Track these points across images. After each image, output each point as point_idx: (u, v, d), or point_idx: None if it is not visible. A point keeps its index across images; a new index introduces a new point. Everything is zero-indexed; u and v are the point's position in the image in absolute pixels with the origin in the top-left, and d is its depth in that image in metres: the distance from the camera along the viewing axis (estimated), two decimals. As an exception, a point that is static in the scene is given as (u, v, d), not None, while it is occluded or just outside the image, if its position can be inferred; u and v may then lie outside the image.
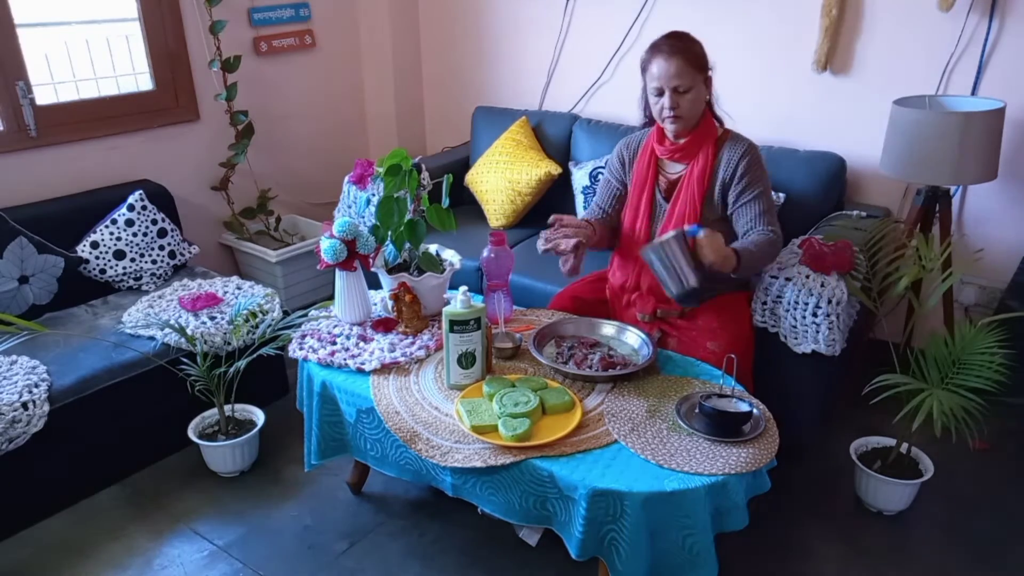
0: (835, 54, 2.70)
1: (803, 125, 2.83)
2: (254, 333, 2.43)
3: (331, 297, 2.26)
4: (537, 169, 3.05)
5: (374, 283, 2.45)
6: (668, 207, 2.19)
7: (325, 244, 2.10)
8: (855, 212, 2.55)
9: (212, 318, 2.52)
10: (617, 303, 2.29)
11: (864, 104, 2.69)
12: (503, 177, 3.10)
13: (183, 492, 2.34)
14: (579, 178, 2.99)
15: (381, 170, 2.16)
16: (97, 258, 2.73)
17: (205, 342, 2.40)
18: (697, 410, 1.76)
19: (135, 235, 2.79)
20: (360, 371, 2.00)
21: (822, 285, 2.11)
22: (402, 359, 2.03)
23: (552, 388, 1.86)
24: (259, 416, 2.46)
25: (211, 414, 2.44)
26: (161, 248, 2.85)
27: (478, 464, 1.68)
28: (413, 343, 2.09)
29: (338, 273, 2.15)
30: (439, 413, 1.84)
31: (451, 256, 2.29)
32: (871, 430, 2.34)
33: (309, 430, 2.10)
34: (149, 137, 3.08)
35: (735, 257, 1.94)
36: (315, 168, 3.72)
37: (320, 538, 2.15)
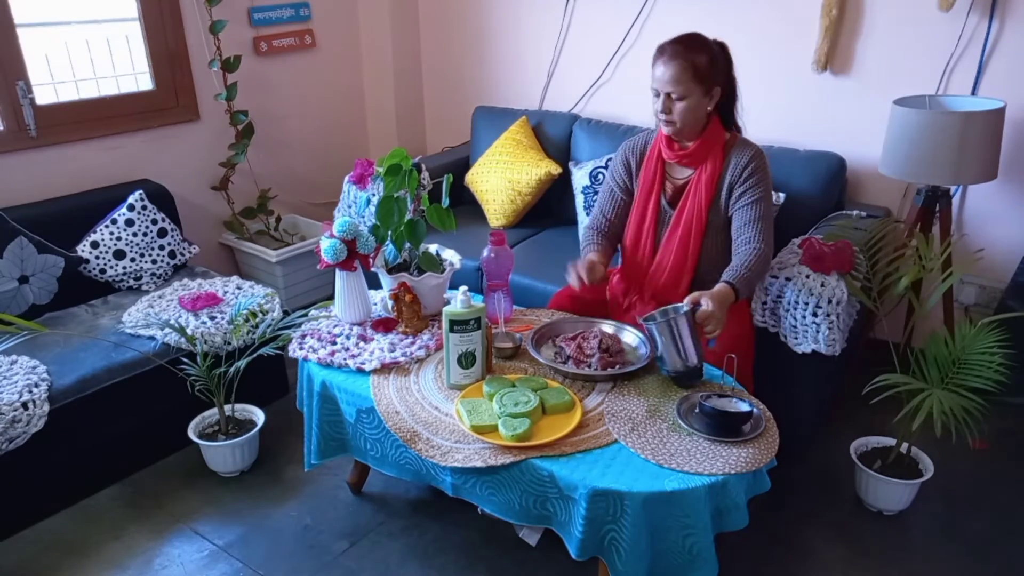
0: (835, 54, 2.70)
1: (803, 125, 2.83)
2: (254, 333, 2.43)
3: (331, 297, 2.26)
4: (537, 169, 3.05)
5: (374, 283, 2.45)
6: (674, 213, 2.19)
7: (325, 244, 2.10)
8: (855, 212, 2.55)
9: (212, 318, 2.52)
10: (617, 306, 2.30)
11: (864, 104, 2.69)
12: (503, 177, 3.10)
13: (183, 492, 2.34)
14: (579, 178, 2.99)
15: (381, 170, 2.16)
16: (97, 258, 2.73)
17: (205, 342, 2.40)
18: (697, 410, 1.76)
19: (135, 235, 2.79)
20: (360, 371, 2.00)
21: (822, 285, 2.11)
22: (402, 359, 2.03)
23: (552, 388, 1.86)
24: (259, 416, 2.46)
25: (211, 414, 2.44)
26: (161, 248, 2.85)
27: (478, 464, 1.68)
28: (413, 343, 2.09)
29: (338, 273, 2.15)
30: (439, 413, 1.84)
31: (451, 256, 2.29)
32: (871, 430, 2.34)
33: (309, 430, 2.10)
34: (149, 137, 3.08)
35: (731, 291, 1.94)
36: (315, 168, 3.72)
37: (320, 538, 2.15)
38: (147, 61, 3.05)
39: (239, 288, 2.74)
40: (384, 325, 2.17)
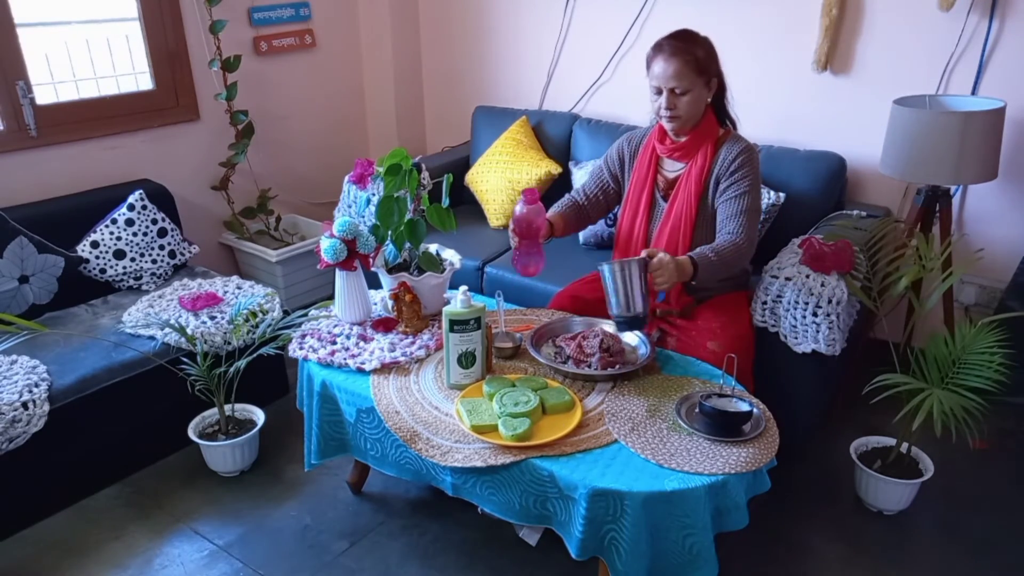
0: (835, 54, 2.70)
1: (803, 125, 2.83)
2: (254, 333, 2.43)
3: (331, 297, 2.26)
4: (537, 169, 3.05)
5: (374, 283, 2.45)
6: (666, 206, 2.20)
7: (325, 244, 2.10)
8: (855, 212, 2.55)
9: (212, 318, 2.52)
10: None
11: (864, 104, 2.69)
12: (503, 177, 3.10)
13: (183, 492, 2.34)
14: (579, 178, 2.99)
15: (381, 170, 2.16)
16: (97, 258, 2.73)
17: (205, 342, 2.40)
18: (697, 410, 1.76)
19: (135, 235, 2.79)
20: (360, 371, 2.00)
21: (822, 285, 2.11)
22: (402, 359, 2.03)
23: (552, 388, 1.86)
24: (259, 416, 2.46)
25: (211, 414, 2.44)
26: (161, 248, 2.85)
27: (478, 464, 1.68)
28: (413, 343, 2.09)
29: (338, 273, 2.15)
30: (439, 413, 1.84)
31: (451, 256, 2.29)
32: (871, 430, 2.34)
33: (309, 430, 2.10)
34: (149, 137, 3.08)
35: (691, 265, 1.96)
36: (315, 168, 3.72)
37: (320, 537, 2.15)
38: (147, 61, 3.05)
39: (239, 288, 2.74)
40: (384, 325, 2.17)
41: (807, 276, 2.13)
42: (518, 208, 2.12)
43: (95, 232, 2.74)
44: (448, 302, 1.99)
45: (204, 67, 3.15)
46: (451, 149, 3.66)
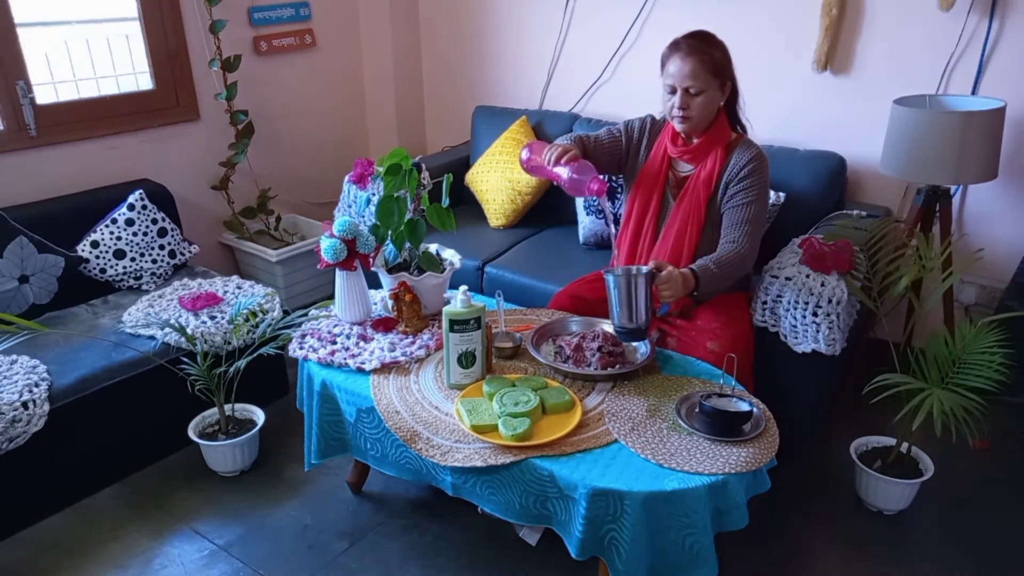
0: (835, 54, 2.70)
1: (803, 125, 2.82)
2: (254, 333, 2.43)
3: (331, 296, 2.26)
4: (537, 169, 3.05)
5: (374, 282, 2.45)
6: (675, 204, 2.19)
7: (325, 243, 2.10)
8: (855, 212, 2.55)
9: (212, 317, 2.52)
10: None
11: (864, 104, 2.69)
12: (503, 177, 3.10)
13: (183, 491, 2.34)
14: (579, 178, 2.99)
15: (381, 169, 2.17)
16: (97, 257, 2.73)
17: (205, 341, 2.40)
18: (697, 410, 1.76)
19: (135, 234, 2.79)
20: (360, 370, 2.00)
21: (822, 284, 2.11)
22: (402, 358, 2.03)
23: (552, 387, 1.86)
24: (259, 415, 2.46)
25: (211, 413, 2.44)
26: (161, 247, 2.85)
27: (478, 463, 1.68)
28: (413, 342, 2.09)
29: (338, 272, 2.15)
30: (439, 412, 1.84)
31: (451, 255, 2.29)
32: (871, 429, 2.34)
33: (309, 429, 2.10)
34: (149, 137, 3.08)
35: (693, 279, 1.96)
36: (315, 167, 3.72)
37: (320, 537, 2.15)
38: (147, 61, 3.05)
39: (239, 288, 2.74)
40: (384, 325, 2.17)
41: (807, 276, 2.13)
42: (565, 173, 2.02)
43: (95, 232, 2.74)
44: (448, 302, 1.99)
45: (204, 67, 3.15)
46: (451, 149, 3.66)
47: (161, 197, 2.93)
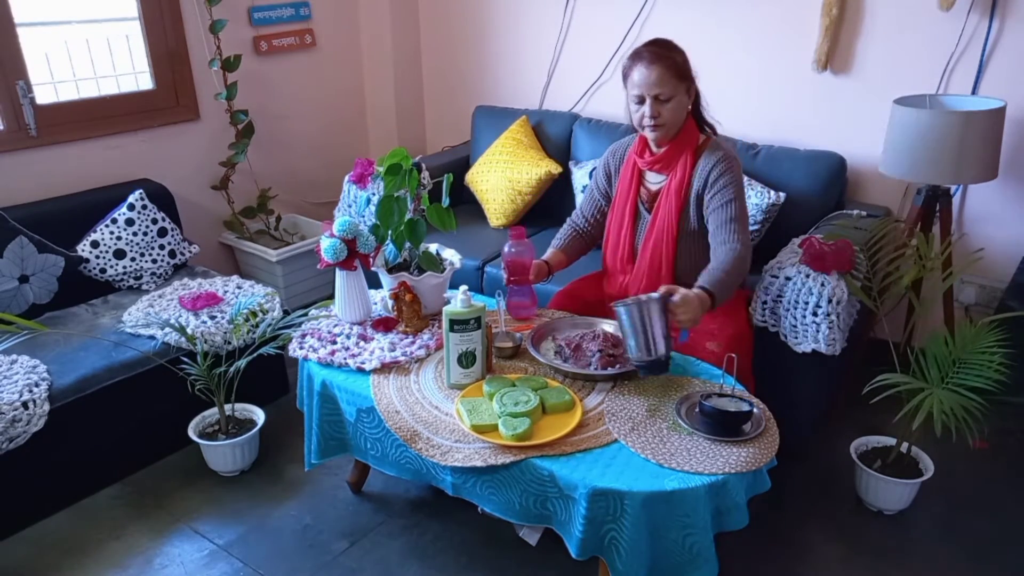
0: (835, 53, 2.70)
1: (803, 125, 2.82)
2: (254, 332, 2.43)
3: (331, 296, 2.26)
4: (537, 168, 3.05)
5: (374, 282, 2.44)
6: (650, 219, 2.20)
7: (325, 243, 2.10)
8: (855, 211, 2.55)
9: (212, 317, 2.52)
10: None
11: (864, 103, 2.69)
12: (503, 176, 3.10)
13: (183, 491, 2.34)
14: (579, 177, 2.99)
15: (381, 169, 2.16)
16: (97, 257, 2.73)
17: (205, 341, 2.40)
18: (697, 410, 1.76)
19: (135, 234, 2.79)
20: (360, 370, 2.00)
21: (822, 284, 2.10)
22: (402, 358, 2.03)
23: (552, 387, 1.86)
24: (259, 415, 2.46)
25: (211, 413, 2.44)
26: (161, 247, 2.85)
27: (478, 463, 1.68)
28: (413, 342, 2.09)
29: (338, 272, 2.15)
30: (439, 412, 1.84)
31: (451, 255, 2.29)
32: (871, 429, 2.34)
33: (309, 429, 2.10)
34: (149, 136, 3.08)
35: (709, 299, 1.92)
36: (315, 167, 3.72)
37: (320, 537, 2.15)
38: (147, 60, 3.05)
39: (239, 287, 2.74)
40: (384, 324, 2.17)
41: (807, 276, 2.13)
42: (506, 249, 2.13)
43: (95, 232, 2.74)
44: (448, 302, 1.99)
45: (204, 67, 3.15)
46: (451, 149, 3.66)
47: (161, 197, 2.93)
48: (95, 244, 2.73)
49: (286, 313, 2.49)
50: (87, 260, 2.71)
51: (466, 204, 3.29)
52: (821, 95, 2.78)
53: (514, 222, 3.13)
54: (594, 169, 2.89)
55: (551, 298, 2.38)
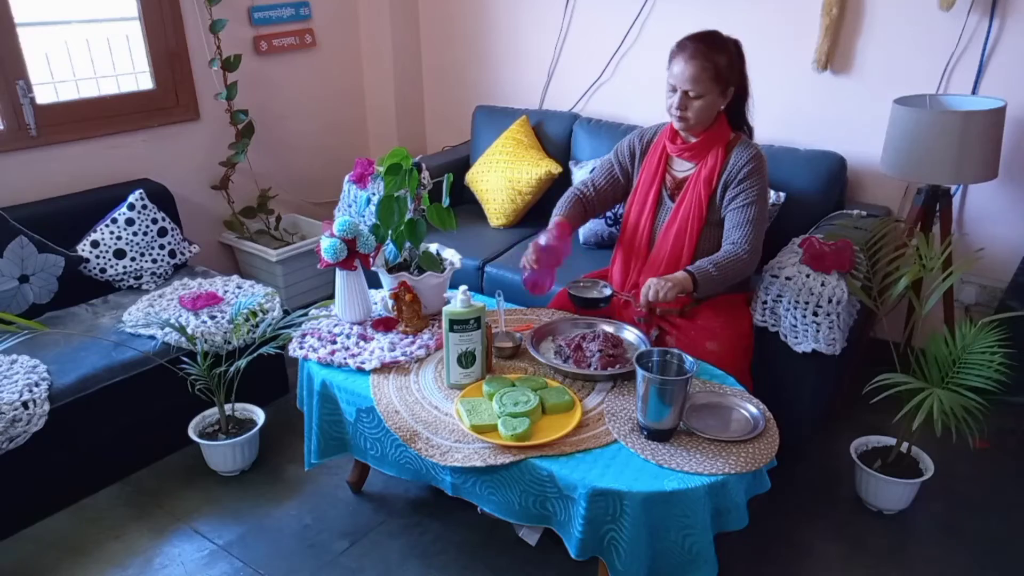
0: (835, 53, 2.70)
1: (803, 124, 2.82)
2: (254, 332, 2.43)
3: (331, 296, 2.26)
4: (537, 168, 3.05)
5: (374, 282, 2.45)
6: (673, 207, 2.20)
7: (325, 243, 2.10)
8: (855, 211, 2.55)
9: (212, 317, 2.52)
10: (616, 301, 2.29)
11: (864, 103, 2.69)
12: (503, 176, 3.10)
13: (183, 491, 2.34)
14: (579, 177, 2.99)
15: (381, 169, 2.16)
16: (97, 257, 2.73)
17: (205, 341, 2.40)
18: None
19: (135, 234, 2.79)
20: (360, 370, 2.00)
21: (822, 284, 2.10)
22: (402, 358, 2.03)
23: (552, 387, 1.86)
24: (259, 415, 2.46)
25: (211, 413, 2.44)
26: (161, 247, 2.85)
27: (478, 463, 1.68)
28: (413, 342, 2.09)
29: (338, 272, 2.15)
30: (439, 412, 1.84)
31: (451, 255, 2.29)
32: (871, 429, 2.34)
33: (309, 429, 2.10)
34: (149, 136, 3.08)
35: (691, 280, 1.97)
36: (315, 167, 3.72)
37: (320, 537, 2.15)
38: (147, 60, 3.05)
39: (239, 287, 2.74)
40: (384, 324, 2.17)
41: (807, 276, 2.13)
42: (544, 240, 2.13)
43: (95, 232, 2.74)
44: (448, 302, 1.99)
45: (204, 67, 3.15)
46: (451, 148, 3.66)
47: (161, 197, 2.93)
48: (95, 244, 2.73)
49: (286, 313, 2.49)
50: (87, 260, 2.71)
51: (466, 204, 3.29)
52: (821, 95, 2.77)
53: (514, 222, 3.13)
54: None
55: (551, 298, 2.38)
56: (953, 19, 2.47)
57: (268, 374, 2.70)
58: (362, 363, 2.01)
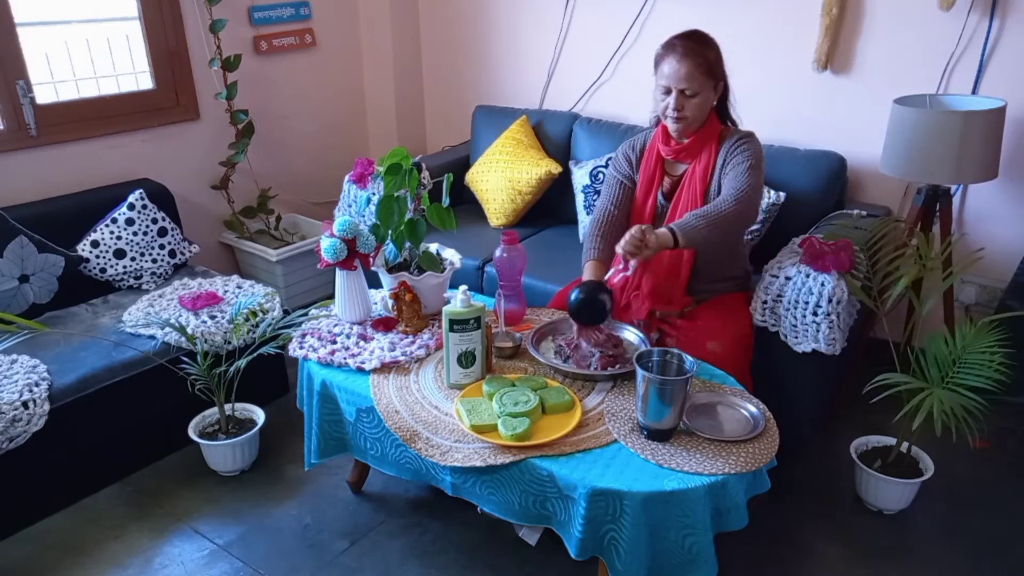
0: (835, 53, 2.70)
1: (803, 124, 2.82)
2: (254, 332, 2.43)
3: (331, 296, 2.26)
4: (537, 168, 3.05)
5: (374, 282, 2.45)
6: (670, 207, 2.20)
7: (325, 243, 2.10)
8: (856, 211, 2.55)
9: (212, 317, 2.52)
10: (615, 303, 2.29)
11: (864, 103, 2.69)
12: (503, 176, 3.10)
13: (183, 491, 2.34)
14: (579, 177, 2.99)
15: (381, 169, 2.16)
16: (97, 257, 2.73)
17: (205, 341, 2.40)
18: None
19: (135, 234, 2.79)
20: (360, 370, 2.00)
21: (822, 284, 2.10)
22: (402, 358, 2.03)
23: (552, 387, 1.86)
24: (259, 415, 2.46)
25: (211, 413, 2.44)
26: (161, 247, 2.85)
27: (478, 463, 1.68)
28: (413, 342, 2.09)
29: (338, 272, 2.15)
30: (439, 412, 1.84)
31: (451, 255, 2.29)
32: (871, 429, 2.34)
33: (309, 429, 2.10)
34: (149, 136, 3.08)
35: (670, 237, 1.95)
36: (315, 167, 3.72)
37: (320, 537, 2.15)
38: (147, 60, 3.05)
39: (239, 287, 2.74)
40: (384, 324, 2.17)
41: (807, 276, 2.13)
42: (498, 253, 2.15)
43: (95, 231, 2.74)
44: (448, 301, 1.99)
45: (204, 66, 3.15)
46: (451, 148, 3.66)
47: (161, 197, 2.93)
48: (95, 244, 2.73)
49: (286, 313, 2.48)
50: (87, 260, 2.71)
51: (466, 204, 3.29)
52: (821, 95, 2.77)
53: (514, 222, 3.13)
54: (596, 168, 2.91)
55: (551, 298, 2.38)
56: (953, 19, 2.47)
57: (268, 374, 2.70)
58: (362, 363, 2.01)
